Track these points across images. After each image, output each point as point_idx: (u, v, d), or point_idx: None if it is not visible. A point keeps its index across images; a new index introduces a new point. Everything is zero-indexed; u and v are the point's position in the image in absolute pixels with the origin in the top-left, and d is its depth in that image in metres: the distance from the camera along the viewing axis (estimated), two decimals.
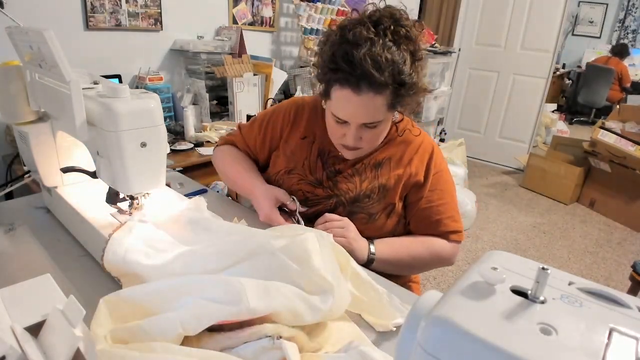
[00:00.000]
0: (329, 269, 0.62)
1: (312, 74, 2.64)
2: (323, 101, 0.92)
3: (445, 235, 0.96)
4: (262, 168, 1.08)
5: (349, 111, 0.85)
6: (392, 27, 0.81)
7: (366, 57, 0.77)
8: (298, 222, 0.94)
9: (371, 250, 0.89)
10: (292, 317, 0.56)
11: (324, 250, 0.64)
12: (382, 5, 0.86)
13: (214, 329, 0.55)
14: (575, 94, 6.25)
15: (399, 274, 0.96)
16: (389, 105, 0.83)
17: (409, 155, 0.97)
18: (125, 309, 0.54)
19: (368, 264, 0.88)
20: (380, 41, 0.79)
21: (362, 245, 0.89)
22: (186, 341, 0.53)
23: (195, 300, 0.53)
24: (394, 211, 0.95)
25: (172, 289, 0.56)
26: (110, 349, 0.47)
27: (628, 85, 5.69)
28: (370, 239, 0.92)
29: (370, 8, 0.86)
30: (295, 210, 0.95)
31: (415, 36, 0.84)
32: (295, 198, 0.96)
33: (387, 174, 0.95)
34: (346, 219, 0.90)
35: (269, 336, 0.53)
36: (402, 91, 0.82)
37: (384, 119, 0.87)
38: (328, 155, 0.99)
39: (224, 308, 0.52)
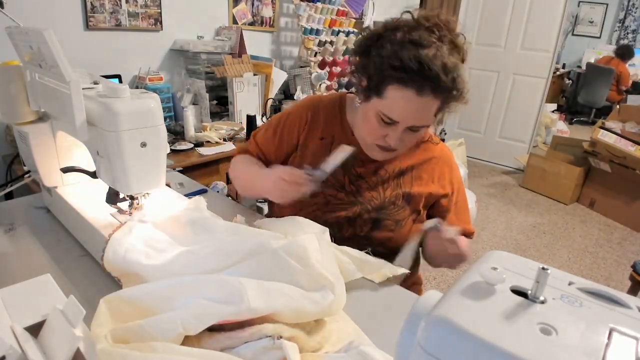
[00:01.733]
0: (328, 267, 0.63)
1: (312, 74, 2.65)
2: (361, 99, 0.88)
3: (468, 235, 1.02)
4: None
5: (406, 112, 0.81)
6: (448, 35, 0.81)
7: (437, 59, 0.76)
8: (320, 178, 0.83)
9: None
10: (293, 315, 0.56)
11: (323, 249, 0.65)
12: (415, 13, 0.84)
13: (214, 329, 0.55)
14: (576, 94, 6.25)
15: (449, 267, 1.04)
16: (438, 110, 0.82)
17: (431, 166, 0.98)
18: (125, 309, 0.54)
19: None
20: (444, 47, 0.79)
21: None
22: (186, 341, 0.53)
23: (195, 300, 0.53)
24: (419, 218, 0.97)
25: (173, 289, 0.56)
26: (111, 349, 0.47)
27: (624, 88, 5.69)
28: (397, 246, 0.92)
29: (407, 15, 0.84)
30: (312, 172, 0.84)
31: (465, 47, 0.84)
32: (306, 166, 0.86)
33: (409, 183, 0.95)
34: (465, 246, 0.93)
35: (269, 336, 0.53)
36: (455, 97, 0.82)
37: (430, 124, 0.86)
38: (349, 158, 0.95)
39: (225, 308, 0.52)
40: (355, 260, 0.76)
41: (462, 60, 0.83)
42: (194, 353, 0.49)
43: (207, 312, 0.52)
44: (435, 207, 1.00)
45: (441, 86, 0.78)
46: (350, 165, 0.95)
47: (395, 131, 0.84)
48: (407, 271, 0.78)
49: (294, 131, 1.00)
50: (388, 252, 0.90)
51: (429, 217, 0.99)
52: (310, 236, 0.65)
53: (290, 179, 0.82)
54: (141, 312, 0.55)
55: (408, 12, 0.85)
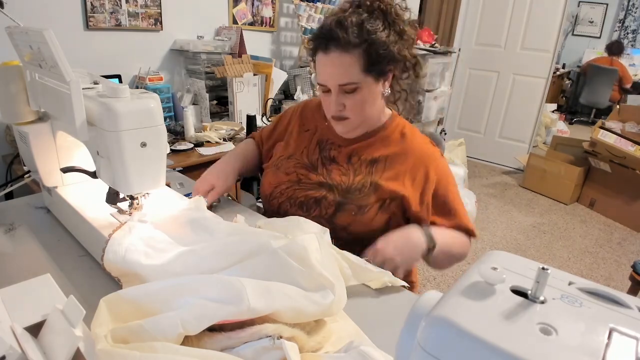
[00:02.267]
0: (328, 267, 0.62)
1: (312, 74, 2.65)
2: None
3: (466, 230, 0.98)
4: (265, 157, 1.17)
5: (322, 72, 0.91)
6: (368, 3, 0.89)
7: (333, 21, 0.88)
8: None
9: (431, 237, 0.90)
10: (293, 315, 0.56)
11: (323, 249, 0.65)
12: None
13: (215, 329, 0.55)
14: (577, 94, 6.25)
15: (443, 267, 1.00)
16: (363, 67, 0.87)
17: (406, 162, 0.96)
18: (125, 308, 0.54)
19: (428, 253, 0.89)
20: (351, 9, 0.89)
21: (413, 245, 0.88)
22: (186, 341, 0.53)
23: (195, 300, 0.53)
24: (387, 208, 0.95)
25: (173, 288, 0.56)
26: (111, 349, 0.47)
27: (629, 85, 5.68)
28: (359, 232, 0.93)
29: None
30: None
31: (390, 9, 0.89)
32: (216, 203, 1.05)
33: (380, 172, 0.96)
34: (381, 247, 0.87)
35: (270, 336, 0.53)
36: (372, 51, 0.86)
37: (362, 84, 0.89)
38: (326, 143, 1.04)
39: (225, 308, 0.52)
40: (353, 266, 0.75)
41: (392, 22, 0.90)
42: (193, 353, 0.49)
43: (207, 312, 0.52)
44: (407, 209, 0.96)
45: (340, 40, 0.86)
46: (327, 149, 1.02)
47: (332, 96, 0.92)
48: (406, 284, 0.78)
49: (285, 121, 1.14)
50: (351, 239, 0.91)
51: (407, 220, 0.97)
52: (310, 236, 0.65)
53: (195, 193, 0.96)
54: (141, 312, 0.54)
55: None
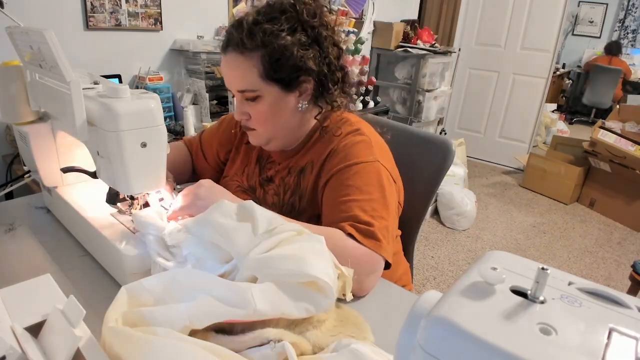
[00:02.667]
0: (323, 270, 0.61)
1: None
2: None
3: (349, 234, 0.75)
4: (210, 167, 1.08)
5: (224, 75, 0.85)
6: (280, 2, 0.80)
7: (234, 22, 0.81)
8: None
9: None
10: (302, 315, 0.57)
11: (317, 252, 0.63)
12: None
13: (219, 331, 0.56)
14: (578, 95, 6.25)
15: None
16: (263, 73, 0.79)
17: (326, 153, 0.86)
18: (145, 296, 0.55)
19: None
20: (255, 11, 0.81)
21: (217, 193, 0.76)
22: None
23: (205, 296, 0.54)
24: (319, 223, 0.83)
25: (189, 282, 0.57)
26: (118, 328, 0.49)
27: (630, 77, 5.70)
28: None
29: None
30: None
31: (308, 12, 0.80)
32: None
33: (308, 180, 0.88)
34: (209, 188, 0.77)
35: (271, 340, 0.53)
36: (272, 56, 0.77)
37: (263, 93, 0.80)
38: (266, 161, 0.97)
39: (231, 308, 0.53)
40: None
41: (304, 26, 0.80)
42: (193, 341, 0.49)
43: (215, 310, 0.53)
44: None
45: (236, 41, 0.79)
46: (266, 168, 0.95)
47: (235, 103, 0.86)
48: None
49: (229, 133, 1.03)
50: None
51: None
52: (306, 239, 0.64)
53: None
54: (158, 301, 0.56)
55: None
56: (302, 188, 0.88)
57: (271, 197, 0.92)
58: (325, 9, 0.83)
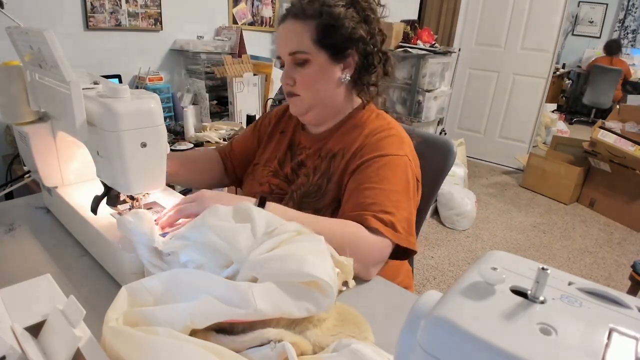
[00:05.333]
0: (324, 270, 0.61)
1: None
2: None
3: (366, 223, 0.77)
4: (237, 172, 1.13)
5: (278, 43, 0.91)
6: None
7: None
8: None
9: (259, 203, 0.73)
10: (303, 314, 0.57)
11: (317, 252, 0.63)
12: None
13: (219, 331, 0.56)
14: (578, 95, 6.25)
15: None
16: (315, 38, 0.85)
17: (358, 143, 0.90)
18: (145, 296, 0.55)
19: None
20: None
21: (228, 200, 0.74)
22: None
23: (206, 296, 0.54)
24: (337, 212, 0.87)
25: (189, 282, 0.57)
26: (117, 328, 0.49)
27: (631, 78, 5.70)
28: None
29: None
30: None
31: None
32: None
33: (337, 166, 0.90)
34: (201, 195, 0.74)
35: (271, 340, 0.53)
36: (325, 23, 0.84)
37: (313, 57, 0.86)
38: (297, 147, 1.00)
39: (232, 308, 0.53)
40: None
41: (357, 7, 0.87)
42: (194, 341, 0.49)
43: (216, 310, 0.53)
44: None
45: (295, 8, 0.86)
46: (297, 153, 0.99)
47: (285, 69, 0.90)
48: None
49: (266, 124, 1.09)
50: None
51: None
52: (305, 241, 0.64)
53: None
54: (158, 301, 0.56)
55: None
56: (331, 172, 0.91)
57: (301, 179, 0.95)
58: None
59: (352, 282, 0.67)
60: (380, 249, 0.77)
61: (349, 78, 0.90)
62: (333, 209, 0.88)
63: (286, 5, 0.94)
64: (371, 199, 0.80)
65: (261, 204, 0.73)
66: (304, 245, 0.62)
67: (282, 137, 1.04)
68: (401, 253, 0.82)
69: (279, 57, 0.91)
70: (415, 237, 0.83)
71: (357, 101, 0.96)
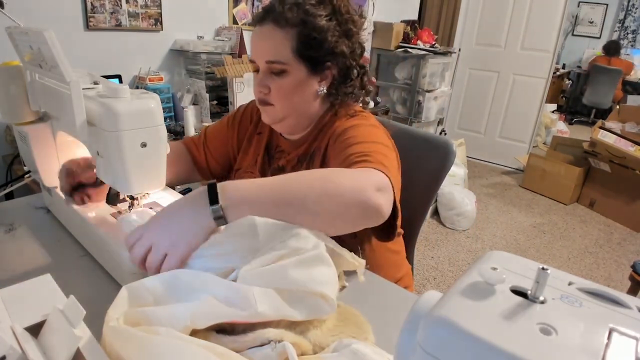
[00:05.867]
0: (327, 280, 0.60)
1: None
2: None
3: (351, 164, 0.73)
4: (217, 169, 1.07)
5: (253, 46, 0.86)
6: None
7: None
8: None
9: (214, 207, 0.60)
10: (303, 318, 0.57)
11: (319, 260, 0.61)
12: None
13: (220, 331, 0.56)
14: (579, 95, 6.25)
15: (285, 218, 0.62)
16: (295, 49, 0.82)
17: (328, 136, 0.89)
18: (146, 296, 0.56)
19: (213, 200, 0.60)
20: None
21: (181, 218, 0.61)
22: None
23: (207, 297, 0.54)
24: None
25: (190, 281, 0.57)
26: (119, 327, 0.49)
27: (629, 74, 5.71)
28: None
29: None
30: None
31: (339, 6, 0.85)
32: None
33: (316, 164, 0.90)
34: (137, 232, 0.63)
35: (271, 341, 0.53)
36: (307, 33, 0.81)
37: (290, 67, 0.83)
38: (275, 150, 0.98)
39: (233, 309, 0.53)
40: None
41: (338, 15, 0.84)
42: (195, 340, 0.50)
43: (217, 311, 0.53)
44: None
45: (276, 13, 0.82)
46: (275, 158, 0.97)
47: (259, 75, 0.87)
48: (362, 260, 0.67)
49: (246, 125, 1.04)
50: None
51: None
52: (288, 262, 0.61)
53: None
54: (158, 301, 0.56)
55: None
56: (313, 167, 0.89)
57: None
58: (355, 10, 0.88)
59: (361, 278, 0.69)
60: (373, 173, 0.68)
61: (325, 91, 0.89)
62: None
63: (262, 3, 0.96)
64: (350, 155, 0.74)
65: (211, 191, 0.61)
66: (306, 256, 0.60)
67: (259, 138, 1.01)
68: (386, 228, 0.73)
69: (252, 61, 0.88)
70: (396, 187, 0.73)
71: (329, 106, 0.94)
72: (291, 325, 0.58)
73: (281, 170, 0.95)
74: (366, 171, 0.68)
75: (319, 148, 0.90)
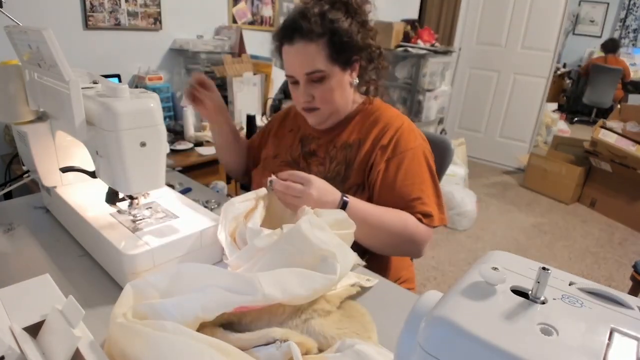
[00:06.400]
0: (326, 240, 0.66)
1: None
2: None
3: (414, 215, 0.90)
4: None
5: (289, 63, 0.93)
6: None
7: (296, 12, 0.91)
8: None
9: (344, 198, 0.84)
10: (309, 294, 0.59)
11: (315, 228, 0.67)
12: None
13: (227, 327, 0.57)
14: (579, 94, 6.24)
15: (363, 239, 0.86)
16: (329, 56, 0.89)
17: (374, 134, 0.97)
18: (150, 292, 0.56)
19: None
20: (312, 2, 0.91)
21: (328, 200, 0.82)
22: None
23: (214, 287, 0.55)
24: (365, 191, 0.95)
25: (194, 275, 0.57)
26: (126, 323, 0.49)
27: (629, 79, 5.69)
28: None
29: None
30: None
31: (353, 2, 0.92)
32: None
33: (354, 156, 0.96)
34: (308, 181, 0.81)
35: (277, 339, 0.54)
36: (336, 40, 0.88)
37: (329, 73, 0.91)
38: (307, 139, 1.06)
39: (241, 296, 0.54)
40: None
41: (355, 13, 0.92)
42: (201, 338, 0.50)
43: (225, 299, 0.54)
44: (370, 175, 0.94)
45: (303, 29, 0.88)
46: (306, 143, 1.04)
47: (300, 87, 0.94)
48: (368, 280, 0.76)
49: (274, 123, 1.17)
50: None
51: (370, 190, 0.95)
52: (302, 222, 0.67)
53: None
54: (164, 295, 0.57)
55: None
56: (348, 160, 0.97)
57: (315, 167, 1.00)
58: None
59: (369, 282, 0.75)
60: (427, 237, 0.92)
61: (357, 80, 0.98)
62: (353, 193, 0.92)
63: (284, 13, 1.00)
64: (409, 195, 0.91)
65: (343, 207, 0.83)
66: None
67: (291, 134, 1.10)
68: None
69: (289, 76, 0.94)
70: (444, 207, 0.96)
71: (359, 98, 1.04)
72: (296, 313, 0.59)
73: (312, 154, 1.03)
74: (427, 233, 0.91)
75: (359, 140, 0.97)
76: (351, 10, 0.91)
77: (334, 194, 0.84)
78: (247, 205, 0.80)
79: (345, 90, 0.96)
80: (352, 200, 0.85)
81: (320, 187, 0.81)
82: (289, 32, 0.90)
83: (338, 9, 0.90)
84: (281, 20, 2.79)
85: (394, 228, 0.87)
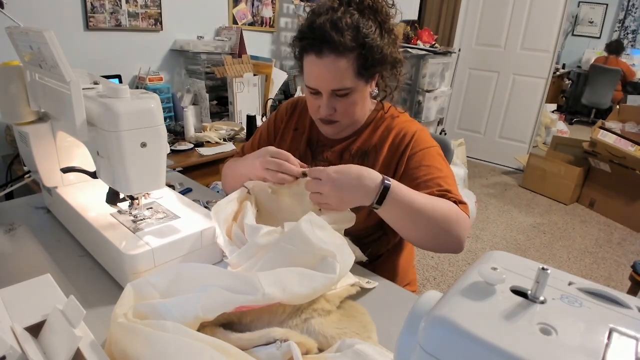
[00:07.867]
0: (326, 240, 0.66)
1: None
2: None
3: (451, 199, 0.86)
4: None
5: (315, 76, 0.87)
6: (358, 0, 0.85)
7: (325, 22, 0.82)
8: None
9: (385, 182, 0.76)
10: (309, 293, 0.59)
11: (316, 228, 0.67)
12: None
13: (227, 327, 0.57)
14: (578, 95, 6.24)
15: (407, 225, 0.81)
16: (357, 71, 0.85)
17: (391, 139, 0.95)
18: (150, 292, 0.56)
19: (383, 195, 0.75)
20: (342, 8, 0.84)
21: (358, 192, 0.77)
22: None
23: (214, 287, 0.55)
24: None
25: (194, 275, 0.58)
26: (127, 323, 0.49)
27: (633, 79, 5.69)
28: (353, 232, 0.84)
29: None
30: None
31: (381, 7, 0.86)
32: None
33: (372, 163, 0.94)
34: (325, 177, 0.76)
35: (277, 339, 0.54)
36: (367, 55, 0.83)
37: (355, 88, 0.87)
38: (317, 145, 1.02)
39: (241, 295, 0.54)
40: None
41: (382, 20, 0.86)
42: (201, 338, 0.50)
43: (225, 299, 0.54)
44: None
45: (335, 43, 0.81)
46: (319, 151, 1.00)
47: (322, 99, 0.89)
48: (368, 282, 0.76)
49: (279, 124, 1.08)
50: (350, 240, 0.84)
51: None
52: (302, 221, 0.67)
53: (275, 157, 0.84)
54: (164, 295, 0.57)
55: None
56: (368, 166, 0.90)
57: None
58: (387, 4, 0.89)
59: (370, 284, 0.76)
60: (466, 226, 0.85)
61: (377, 90, 0.96)
62: None
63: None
64: (440, 187, 0.87)
65: (383, 194, 0.76)
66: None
67: (296, 134, 1.04)
68: None
69: (311, 88, 0.89)
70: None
71: (371, 100, 1.00)
72: (296, 312, 0.59)
73: (329, 163, 0.97)
74: (466, 222, 0.84)
75: (376, 147, 0.95)
76: (379, 18, 0.86)
77: (370, 178, 0.75)
78: (232, 206, 0.81)
79: (365, 102, 0.93)
80: (395, 184, 0.77)
81: (337, 180, 0.75)
82: (317, 43, 0.83)
83: (368, 18, 0.84)
84: (281, 20, 2.79)
85: (442, 212, 0.79)
